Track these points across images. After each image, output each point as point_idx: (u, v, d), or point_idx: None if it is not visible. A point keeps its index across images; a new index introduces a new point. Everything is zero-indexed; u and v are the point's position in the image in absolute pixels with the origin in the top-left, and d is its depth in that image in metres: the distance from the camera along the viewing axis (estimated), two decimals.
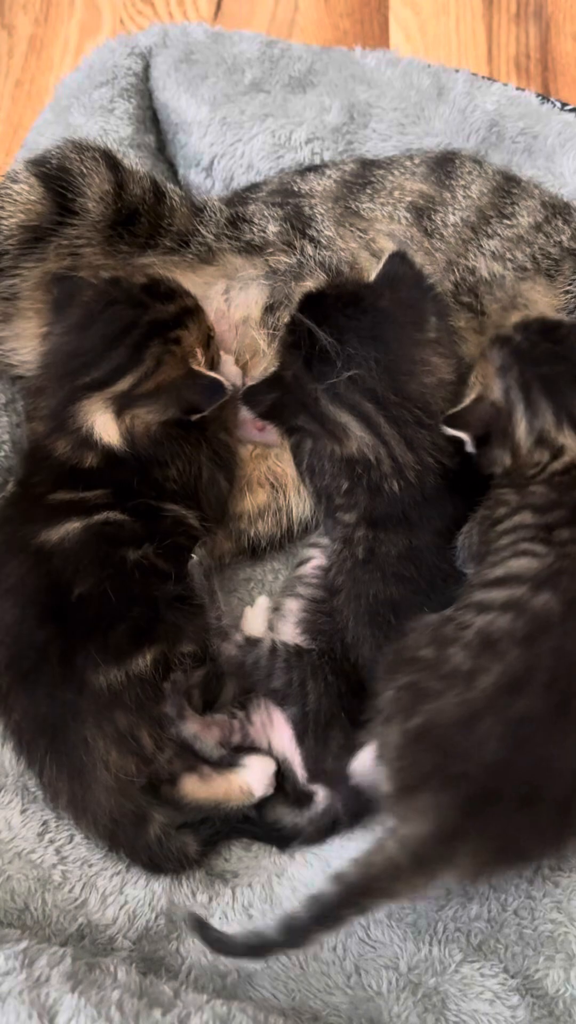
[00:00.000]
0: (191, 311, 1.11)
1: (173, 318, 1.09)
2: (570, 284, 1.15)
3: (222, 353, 1.18)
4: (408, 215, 1.22)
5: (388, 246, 1.19)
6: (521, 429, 1.04)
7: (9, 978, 0.82)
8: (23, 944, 0.86)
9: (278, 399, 1.09)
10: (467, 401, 1.06)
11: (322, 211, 1.24)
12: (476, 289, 1.18)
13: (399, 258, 1.08)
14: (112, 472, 1.08)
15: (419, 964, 0.98)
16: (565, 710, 0.87)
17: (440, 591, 1.05)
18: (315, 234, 1.21)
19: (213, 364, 1.13)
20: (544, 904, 1.00)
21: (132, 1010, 0.82)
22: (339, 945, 1.00)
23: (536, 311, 1.14)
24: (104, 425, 1.06)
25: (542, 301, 1.15)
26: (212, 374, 1.08)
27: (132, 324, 1.06)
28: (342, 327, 1.04)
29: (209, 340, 1.13)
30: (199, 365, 1.08)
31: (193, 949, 1.00)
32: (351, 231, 1.22)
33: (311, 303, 1.08)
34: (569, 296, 1.14)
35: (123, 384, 1.06)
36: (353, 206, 1.23)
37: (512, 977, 0.97)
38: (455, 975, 0.97)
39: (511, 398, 1.04)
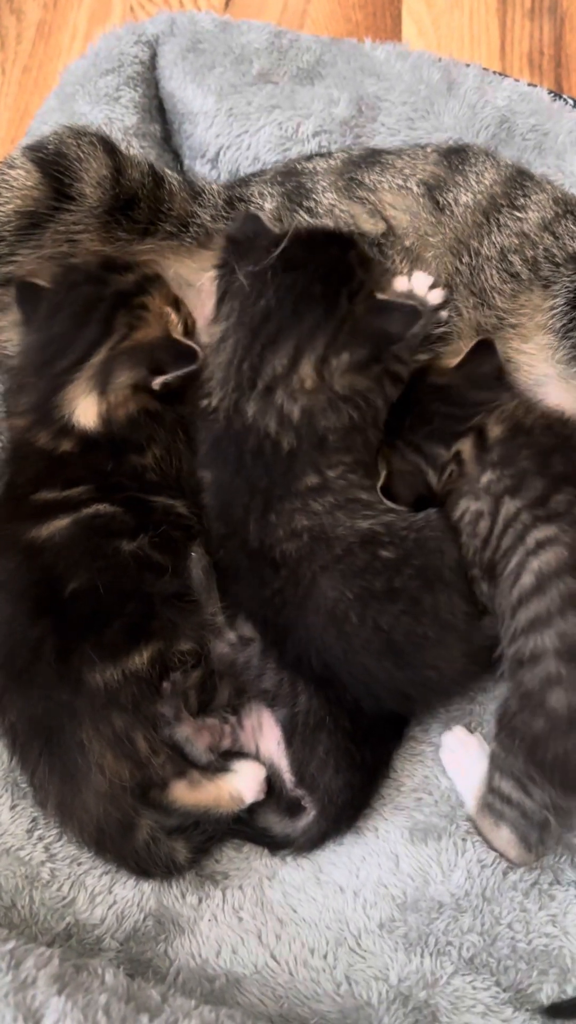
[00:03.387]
0: (151, 278, 1.13)
1: (135, 286, 1.11)
2: (555, 298, 1.13)
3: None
4: (419, 188, 1.20)
5: (395, 211, 1.19)
6: (431, 477, 1.09)
7: None
8: (10, 944, 0.85)
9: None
10: (382, 480, 1.09)
11: (324, 184, 1.22)
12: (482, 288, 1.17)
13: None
14: (87, 458, 1.08)
15: (410, 976, 0.97)
16: None
17: None
18: (312, 205, 1.19)
19: (187, 327, 1.14)
20: (539, 917, 0.99)
21: (119, 1014, 0.80)
22: (329, 953, 0.99)
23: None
24: (85, 409, 1.07)
25: (530, 324, 1.14)
26: (189, 343, 1.09)
27: (97, 299, 1.09)
28: None
29: (178, 304, 1.14)
30: (176, 330, 1.10)
31: (181, 951, 0.99)
32: (353, 197, 1.20)
33: None
34: (555, 312, 1.13)
35: (100, 355, 1.07)
36: (359, 177, 1.22)
37: (505, 991, 0.96)
38: (447, 988, 0.96)
39: (409, 459, 1.10)
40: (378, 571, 0.99)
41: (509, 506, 1.01)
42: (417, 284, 1.14)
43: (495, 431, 1.05)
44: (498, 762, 0.99)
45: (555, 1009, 0.95)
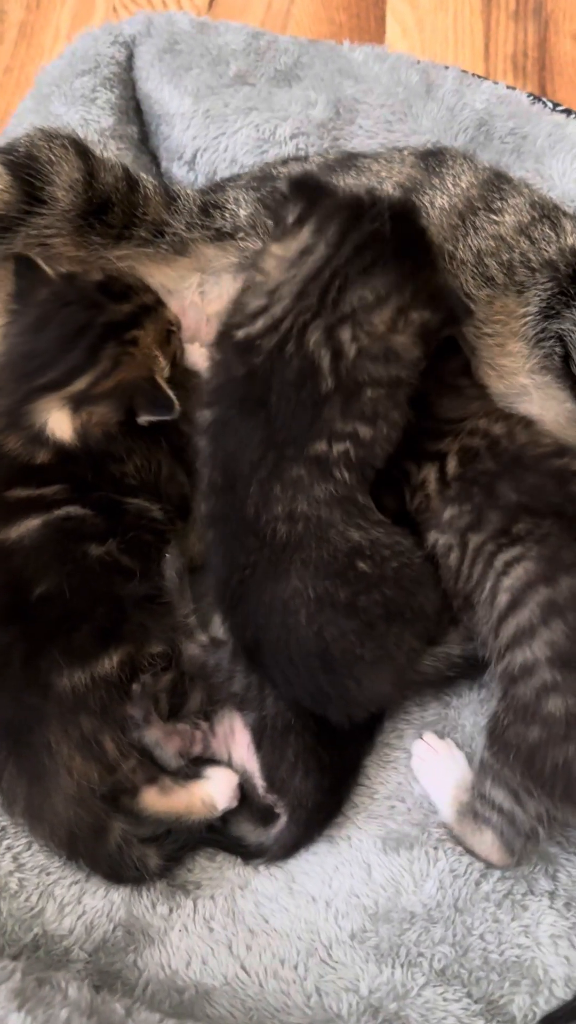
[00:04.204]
0: (148, 308, 1.11)
1: (128, 318, 1.08)
2: (530, 304, 1.13)
3: (187, 345, 1.17)
4: (395, 191, 1.20)
5: None
6: (406, 493, 1.10)
7: None
8: None
9: None
10: None
11: None
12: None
13: None
14: (65, 468, 1.07)
15: (380, 987, 0.96)
16: None
17: None
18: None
19: (175, 360, 1.13)
20: (512, 928, 0.98)
21: None
22: (300, 964, 0.98)
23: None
24: (58, 422, 1.06)
25: (511, 323, 1.14)
26: (169, 394, 1.07)
27: (87, 326, 1.06)
28: None
29: (169, 335, 1.12)
30: (162, 371, 1.09)
31: (151, 962, 0.98)
32: None
33: None
34: (527, 319, 1.13)
35: (80, 384, 1.05)
36: (335, 180, 1.21)
37: (476, 1002, 0.95)
38: (417, 999, 0.95)
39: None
40: (349, 582, 0.98)
41: (474, 540, 1.02)
42: None
43: (451, 465, 1.06)
44: (491, 772, 0.98)
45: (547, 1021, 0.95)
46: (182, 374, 1.15)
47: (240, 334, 1.01)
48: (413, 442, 1.06)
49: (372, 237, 1.00)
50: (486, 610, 1.00)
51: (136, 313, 1.10)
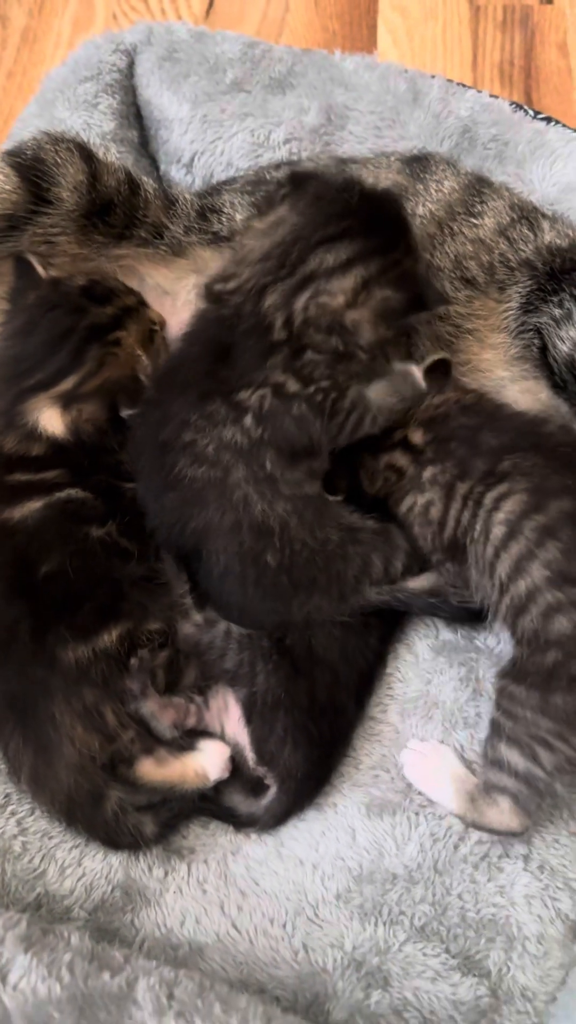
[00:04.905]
0: (130, 309, 1.16)
1: (111, 320, 1.13)
2: (511, 300, 1.18)
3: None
4: None
5: None
6: (363, 479, 1.14)
7: None
8: None
9: None
10: None
11: None
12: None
13: None
14: (60, 458, 1.12)
15: (364, 943, 1.01)
16: None
17: None
18: None
19: (159, 356, 1.17)
20: (488, 889, 1.03)
21: (82, 972, 0.84)
22: (288, 923, 1.03)
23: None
24: (50, 419, 1.11)
25: (490, 320, 1.19)
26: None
27: (71, 329, 1.11)
28: None
29: (152, 334, 1.17)
30: (144, 369, 1.13)
31: (147, 921, 1.03)
32: None
33: None
34: (508, 314, 1.18)
35: (67, 384, 1.11)
36: None
37: (454, 957, 1.00)
38: (398, 954, 1.00)
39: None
40: (257, 564, 1.06)
41: (462, 488, 1.06)
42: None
43: (416, 436, 1.11)
44: (503, 732, 1.01)
45: None
46: None
47: (215, 288, 1.09)
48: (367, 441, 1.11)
49: (342, 209, 1.05)
50: (479, 549, 1.04)
51: (118, 315, 1.14)
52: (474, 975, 0.99)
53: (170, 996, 0.84)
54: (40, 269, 1.15)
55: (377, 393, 1.08)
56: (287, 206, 1.08)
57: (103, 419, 1.12)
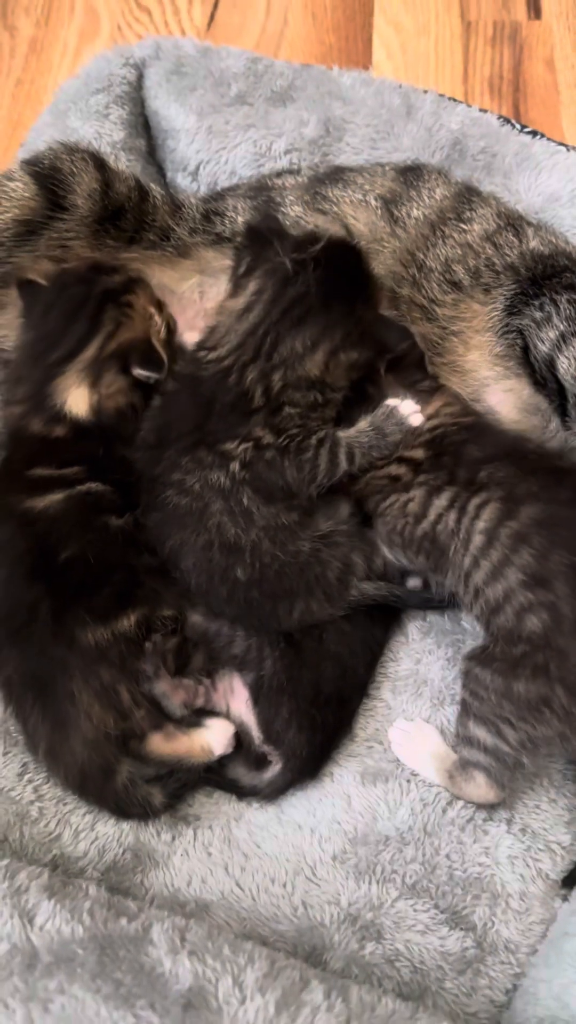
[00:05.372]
0: (136, 280, 1.23)
1: (121, 285, 1.21)
2: (495, 302, 1.24)
3: (185, 334, 1.29)
4: (376, 203, 1.32)
5: (355, 221, 1.30)
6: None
7: None
8: (5, 861, 0.96)
9: None
10: None
11: (292, 198, 1.34)
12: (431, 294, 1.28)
13: None
14: (78, 444, 1.17)
15: (359, 900, 1.08)
16: None
17: None
18: (281, 217, 1.31)
19: (170, 328, 1.25)
20: (474, 849, 1.11)
21: (101, 917, 0.91)
22: (288, 882, 1.10)
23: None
24: (77, 399, 1.17)
25: (475, 321, 1.25)
26: (161, 354, 1.20)
27: (85, 297, 1.18)
28: None
29: (160, 305, 1.24)
30: (159, 333, 1.21)
31: (156, 882, 1.10)
32: (317, 209, 1.32)
33: None
34: (493, 315, 1.24)
35: (90, 351, 1.17)
36: (322, 192, 1.33)
37: (442, 912, 1.08)
38: (391, 910, 1.08)
39: None
40: (226, 580, 1.14)
41: (448, 492, 1.14)
42: (404, 406, 1.21)
43: (419, 455, 1.18)
44: (471, 711, 1.08)
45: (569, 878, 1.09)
46: (177, 352, 1.27)
47: (200, 353, 1.19)
48: None
49: (299, 298, 1.16)
50: (458, 558, 1.12)
51: (127, 282, 1.22)
52: (461, 929, 1.07)
53: (183, 939, 0.91)
54: (42, 282, 1.22)
55: (357, 430, 1.18)
56: (252, 288, 1.18)
57: (123, 388, 1.17)
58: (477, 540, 1.10)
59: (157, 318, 1.22)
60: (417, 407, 1.19)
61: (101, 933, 0.89)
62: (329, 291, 1.16)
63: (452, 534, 1.13)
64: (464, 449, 1.15)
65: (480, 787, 1.10)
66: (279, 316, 1.16)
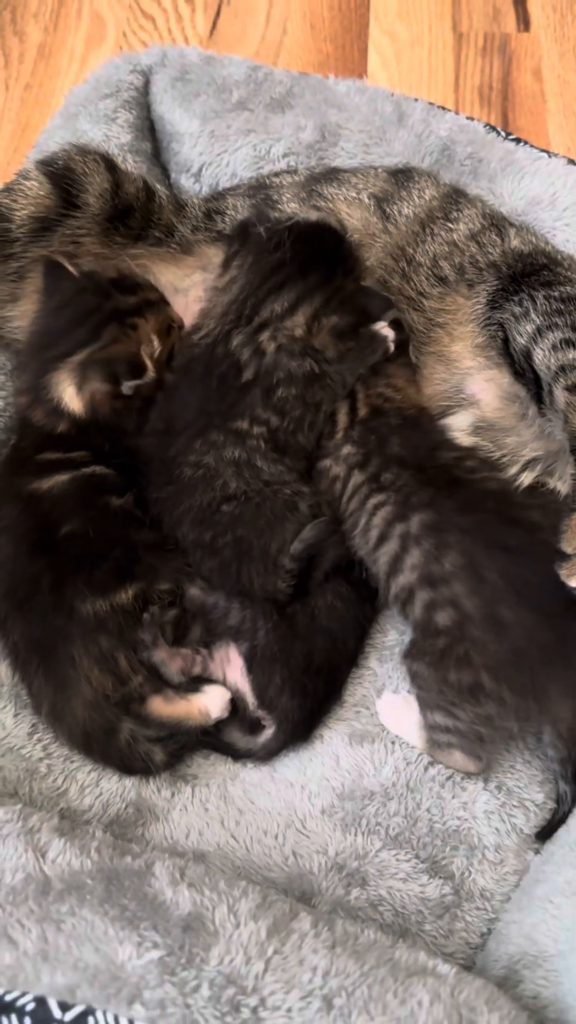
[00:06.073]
0: (152, 304, 1.29)
1: (133, 308, 1.26)
2: (478, 296, 1.31)
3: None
4: (369, 200, 1.39)
5: (349, 217, 1.37)
6: None
7: (8, 824, 1.00)
8: (19, 805, 1.05)
9: None
10: None
11: (288, 195, 1.40)
12: (419, 286, 1.36)
13: None
14: (84, 439, 1.23)
15: (345, 850, 1.16)
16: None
17: None
18: (278, 214, 1.37)
19: (172, 353, 1.29)
20: (453, 804, 1.18)
21: (108, 854, 0.99)
22: (279, 834, 1.18)
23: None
24: (71, 397, 1.23)
25: (459, 314, 1.33)
26: (147, 362, 1.25)
27: (96, 309, 1.24)
28: None
29: (170, 330, 1.29)
30: (150, 352, 1.26)
31: (156, 834, 1.17)
32: (313, 206, 1.39)
33: None
34: (477, 308, 1.31)
35: (80, 355, 1.23)
36: (318, 189, 1.40)
37: (423, 862, 1.15)
38: (375, 859, 1.15)
39: None
40: (212, 525, 1.20)
41: (357, 478, 1.22)
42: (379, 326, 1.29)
43: (363, 410, 1.26)
44: (422, 701, 1.16)
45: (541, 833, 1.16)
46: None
47: (193, 336, 1.27)
48: None
49: (277, 264, 1.24)
50: (362, 540, 1.20)
51: (140, 305, 1.26)
52: (440, 877, 1.14)
53: (182, 874, 0.99)
54: (70, 267, 1.27)
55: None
56: (235, 267, 1.27)
57: (106, 392, 1.22)
58: (373, 534, 1.18)
59: (157, 343, 1.26)
60: (391, 331, 1.28)
61: (108, 867, 0.97)
62: (306, 259, 1.24)
63: (352, 515, 1.21)
64: (389, 439, 1.22)
65: (458, 761, 1.18)
66: (259, 282, 1.23)
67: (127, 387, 1.22)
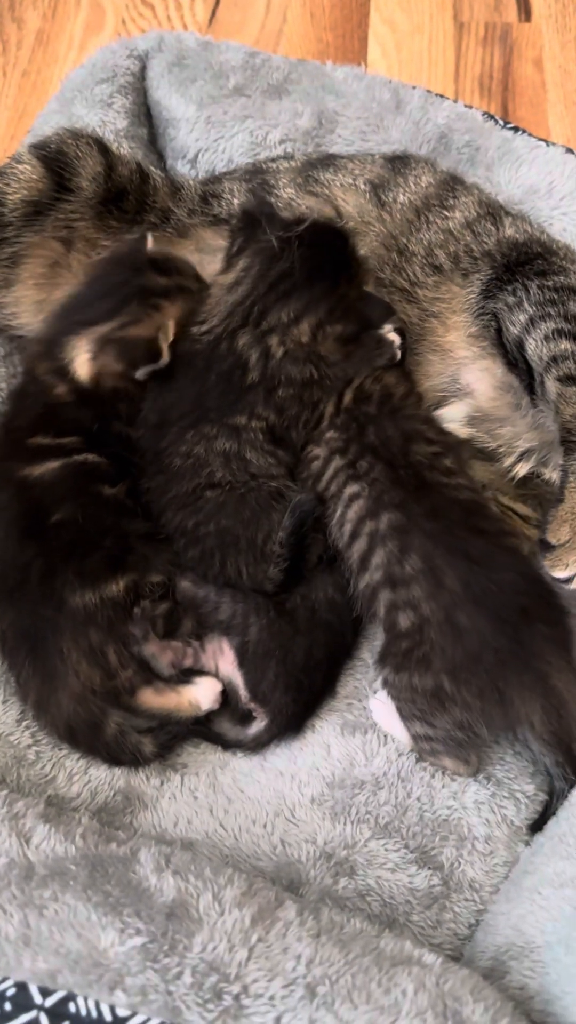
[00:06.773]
0: (184, 289, 1.28)
1: (162, 289, 1.26)
2: (472, 285, 1.31)
3: None
4: (365, 186, 1.39)
5: (345, 203, 1.37)
6: None
7: None
8: (4, 791, 1.04)
9: None
10: None
11: (285, 181, 1.40)
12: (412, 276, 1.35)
13: None
14: (77, 411, 1.23)
15: (334, 839, 1.15)
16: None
17: None
18: (274, 199, 1.37)
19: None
20: (443, 794, 1.18)
21: (93, 841, 0.99)
22: (268, 823, 1.17)
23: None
24: (82, 363, 1.23)
25: (454, 303, 1.32)
26: (164, 352, 1.25)
27: (125, 283, 1.24)
28: None
29: (191, 317, 1.27)
30: (166, 338, 1.25)
31: (144, 823, 1.16)
32: (309, 192, 1.39)
33: None
34: (471, 298, 1.31)
35: (104, 327, 1.23)
36: (314, 175, 1.40)
37: (412, 852, 1.14)
38: (364, 849, 1.14)
39: None
40: (195, 512, 1.21)
41: (337, 462, 1.21)
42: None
43: (347, 399, 1.25)
44: (401, 713, 1.15)
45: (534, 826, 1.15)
46: None
47: (192, 329, 1.26)
48: None
49: (284, 274, 1.24)
50: (338, 532, 1.19)
51: (169, 288, 1.26)
52: (429, 868, 1.13)
53: (168, 861, 0.98)
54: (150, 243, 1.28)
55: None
56: (242, 265, 1.26)
57: (118, 373, 1.23)
58: (347, 528, 1.18)
59: (172, 329, 1.26)
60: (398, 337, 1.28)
61: (92, 853, 0.97)
62: (312, 269, 1.23)
63: (331, 501, 1.20)
64: (368, 426, 1.21)
65: (448, 764, 1.17)
66: (266, 290, 1.23)
67: (142, 372, 1.22)
